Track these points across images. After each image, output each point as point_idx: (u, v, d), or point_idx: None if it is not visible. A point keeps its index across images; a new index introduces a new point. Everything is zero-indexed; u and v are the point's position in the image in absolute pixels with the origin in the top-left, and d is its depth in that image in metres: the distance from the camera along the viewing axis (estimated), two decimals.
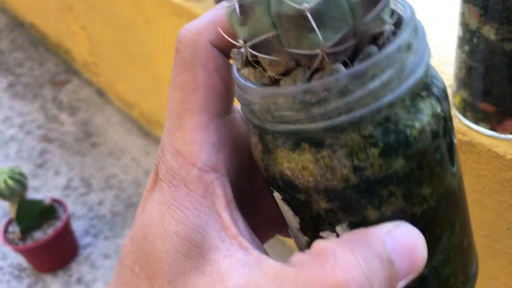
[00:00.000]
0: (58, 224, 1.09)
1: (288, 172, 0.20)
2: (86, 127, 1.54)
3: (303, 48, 0.18)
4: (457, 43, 0.44)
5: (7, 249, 1.18)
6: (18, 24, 2.10)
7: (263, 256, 0.21)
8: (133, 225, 0.23)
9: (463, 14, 0.42)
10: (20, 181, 1.00)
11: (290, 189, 0.21)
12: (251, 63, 0.20)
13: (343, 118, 0.18)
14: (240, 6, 0.18)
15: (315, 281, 0.19)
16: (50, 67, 1.83)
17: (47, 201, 1.08)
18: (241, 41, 0.19)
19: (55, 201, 1.12)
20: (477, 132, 0.46)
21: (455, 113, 0.48)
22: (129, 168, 1.37)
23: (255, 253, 0.21)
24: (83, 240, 1.20)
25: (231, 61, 0.23)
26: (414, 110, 0.19)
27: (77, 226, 1.22)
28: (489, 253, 0.52)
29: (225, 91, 0.23)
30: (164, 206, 0.22)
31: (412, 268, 0.20)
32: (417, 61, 0.19)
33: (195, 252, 0.21)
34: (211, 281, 0.20)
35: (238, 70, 0.21)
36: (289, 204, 0.22)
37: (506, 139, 0.45)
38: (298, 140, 0.19)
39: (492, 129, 0.45)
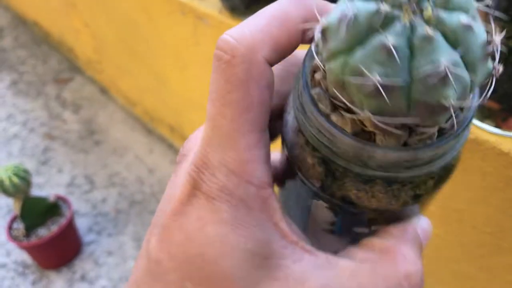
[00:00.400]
0: (62, 221, 1.09)
1: (353, 196, 0.23)
2: (89, 124, 1.54)
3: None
4: None
5: (12, 246, 1.19)
6: (21, 21, 2.10)
7: (330, 256, 0.23)
8: (165, 239, 0.23)
9: None
10: (24, 178, 1.00)
11: (346, 205, 0.24)
12: (335, 106, 0.22)
13: (422, 171, 0.22)
14: (383, 86, 0.18)
15: (391, 275, 0.22)
16: (54, 64, 1.83)
17: (51, 198, 1.08)
18: (367, 113, 0.19)
19: (59, 198, 1.13)
20: (482, 129, 0.46)
21: None
22: (133, 166, 1.38)
23: (321, 254, 0.23)
24: (86, 237, 1.20)
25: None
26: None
27: (81, 223, 1.23)
28: (494, 250, 0.52)
29: (270, 106, 0.24)
30: (225, 225, 0.22)
31: (426, 245, 0.25)
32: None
33: (265, 263, 0.22)
34: (289, 284, 0.22)
35: (328, 116, 0.22)
36: (333, 211, 0.25)
37: (511, 137, 0.45)
38: (376, 177, 0.22)
39: (497, 126, 0.45)
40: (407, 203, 0.23)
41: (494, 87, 0.43)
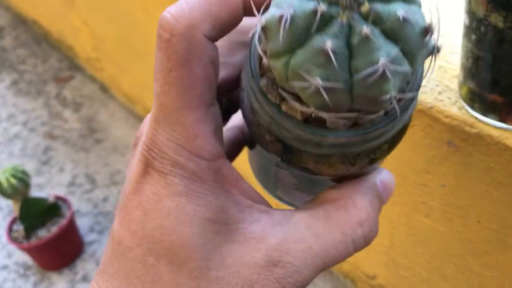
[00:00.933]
0: (62, 221, 1.08)
1: (312, 167, 0.24)
2: (90, 123, 1.53)
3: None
4: (463, 32, 0.43)
5: (12, 248, 1.18)
6: (21, 21, 2.09)
7: (286, 213, 0.24)
8: (124, 218, 0.24)
9: (469, 2, 0.41)
10: (22, 179, 0.99)
11: (306, 173, 0.25)
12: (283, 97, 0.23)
13: (374, 144, 0.24)
14: (324, 88, 0.19)
15: (344, 223, 0.24)
16: (54, 63, 1.82)
17: (50, 198, 1.07)
18: (312, 108, 0.21)
19: (59, 198, 1.12)
20: (486, 124, 0.45)
21: (462, 105, 0.46)
22: None
23: (277, 212, 0.24)
24: (88, 237, 1.19)
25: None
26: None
27: (82, 223, 1.22)
28: (499, 247, 0.51)
29: (216, 80, 0.24)
30: (180, 197, 0.23)
31: (389, 198, 0.26)
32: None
33: (223, 228, 0.23)
34: (249, 244, 0.23)
35: (278, 105, 0.23)
36: (296, 178, 0.28)
37: None
38: (330, 153, 0.24)
39: (501, 120, 0.44)
40: (364, 166, 0.25)
41: (497, 78, 0.42)
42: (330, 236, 0.24)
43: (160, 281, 0.23)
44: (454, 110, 0.46)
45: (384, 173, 0.27)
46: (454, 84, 0.48)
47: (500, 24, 0.39)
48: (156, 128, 0.23)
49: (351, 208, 0.24)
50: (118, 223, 0.25)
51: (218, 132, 0.24)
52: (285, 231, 0.23)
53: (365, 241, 0.25)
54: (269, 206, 0.25)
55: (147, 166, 0.24)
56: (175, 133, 0.23)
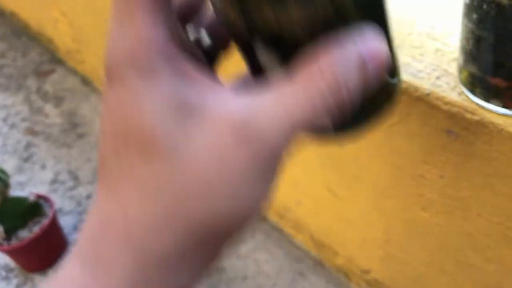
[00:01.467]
0: (45, 221, 1.05)
1: (274, 26, 0.24)
2: (72, 117, 1.50)
3: None
4: (463, 11, 0.40)
5: None
6: None
7: (254, 96, 0.23)
8: (100, 123, 0.25)
9: None
10: (1, 178, 0.96)
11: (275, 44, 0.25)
12: None
13: None
14: None
15: (310, 89, 0.23)
16: (34, 57, 1.78)
17: (31, 198, 1.03)
18: None
19: (40, 197, 1.08)
20: (488, 110, 0.42)
21: (462, 90, 0.43)
22: None
23: (243, 97, 0.23)
24: (72, 236, 1.16)
25: None
26: None
27: (66, 222, 1.18)
28: (502, 241, 0.50)
29: None
30: (140, 86, 0.23)
31: (379, 68, 0.23)
32: None
33: (186, 111, 0.23)
34: (216, 126, 0.22)
35: None
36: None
37: None
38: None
39: (504, 106, 0.41)
40: (328, 14, 0.23)
41: (500, 60, 0.38)
42: (298, 104, 0.23)
43: (133, 167, 0.23)
44: (453, 96, 0.44)
45: (368, 36, 0.24)
46: (453, 68, 0.45)
47: (505, 1, 0.36)
48: (110, 34, 0.24)
49: (317, 74, 0.23)
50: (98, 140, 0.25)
51: (168, 23, 0.24)
52: (251, 107, 0.23)
53: (338, 107, 0.23)
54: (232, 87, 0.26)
55: (109, 76, 0.24)
56: (125, 32, 0.23)
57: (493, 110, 0.41)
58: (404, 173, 0.54)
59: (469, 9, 0.39)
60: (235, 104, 0.23)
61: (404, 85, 0.46)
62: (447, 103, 0.44)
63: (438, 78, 0.45)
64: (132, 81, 0.23)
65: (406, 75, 0.46)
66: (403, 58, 0.47)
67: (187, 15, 0.28)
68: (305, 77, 0.23)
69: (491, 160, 0.44)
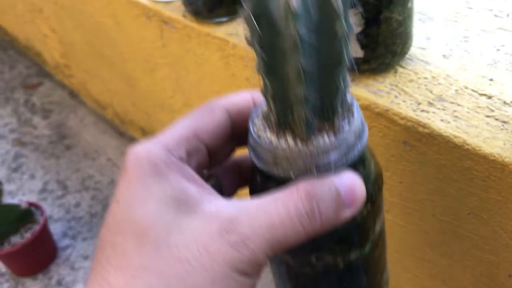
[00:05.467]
0: (36, 227, 1.09)
1: None
2: (59, 129, 1.54)
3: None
4: None
5: None
6: None
7: (241, 200, 0.27)
8: (106, 216, 0.28)
9: None
10: None
11: None
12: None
13: None
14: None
15: (286, 199, 0.26)
16: (21, 70, 1.81)
17: (23, 205, 1.07)
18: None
19: (32, 204, 1.12)
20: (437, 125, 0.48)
21: (417, 107, 0.50)
22: (105, 169, 1.38)
23: (232, 200, 0.28)
24: (61, 242, 1.20)
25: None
26: None
27: (55, 229, 1.23)
28: (452, 237, 0.55)
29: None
30: (148, 178, 0.27)
31: (354, 200, 0.28)
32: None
33: (184, 206, 0.26)
34: (205, 219, 0.26)
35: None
36: None
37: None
38: None
39: (449, 121, 0.47)
40: None
41: None
42: (276, 211, 0.26)
43: (125, 255, 0.25)
44: (408, 112, 0.50)
45: (346, 173, 0.28)
46: (409, 88, 0.52)
47: None
48: (140, 143, 0.29)
49: (294, 190, 0.27)
50: (103, 224, 0.28)
51: (193, 158, 0.30)
52: (237, 209, 0.26)
53: (310, 219, 0.26)
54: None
55: (123, 168, 0.28)
56: (162, 137, 0.29)
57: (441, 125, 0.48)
58: None
59: None
60: (225, 203, 0.27)
61: (366, 102, 0.52)
62: (403, 118, 0.50)
63: (396, 97, 0.52)
64: (147, 178, 0.27)
65: (369, 94, 0.53)
66: (366, 80, 0.54)
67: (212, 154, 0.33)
68: (285, 192, 0.27)
69: (440, 167, 0.50)
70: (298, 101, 0.28)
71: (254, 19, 0.25)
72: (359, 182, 0.28)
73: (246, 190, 0.39)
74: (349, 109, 0.31)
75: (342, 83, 0.28)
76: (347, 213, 0.28)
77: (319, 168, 0.28)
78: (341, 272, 0.34)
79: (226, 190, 0.36)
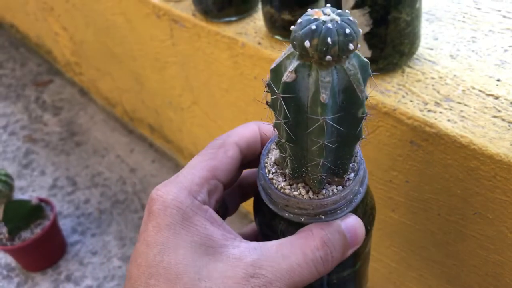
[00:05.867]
0: (46, 223, 1.10)
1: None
2: (70, 126, 1.55)
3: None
4: None
5: None
6: None
7: (261, 243, 0.31)
8: (133, 256, 0.30)
9: None
10: (6, 182, 1.00)
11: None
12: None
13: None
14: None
15: (303, 245, 0.30)
16: (32, 67, 1.83)
17: (34, 201, 1.09)
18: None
19: (42, 200, 1.14)
20: (442, 124, 0.49)
21: (424, 107, 0.50)
22: (114, 166, 1.39)
23: (252, 242, 0.31)
24: (70, 238, 1.21)
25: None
26: None
27: (64, 225, 1.24)
28: (457, 237, 0.55)
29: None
30: (176, 225, 0.30)
31: (356, 241, 0.33)
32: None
33: (210, 250, 0.29)
34: (230, 262, 0.29)
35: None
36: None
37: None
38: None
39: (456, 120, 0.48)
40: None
41: None
42: (294, 256, 0.30)
43: None
44: (415, 112, 0.50)
45: (351, 217, 0.33)
46: (417, 88, 0.52)
47: None
48: (174, 177, 0.33)
49: (310, 236, 0.31)
50: (129, 263, 0.30)
51: (212, 194, 0.33)
52: (259, 253, 0.29)
53: (324, 263, 0.31)
54: (246, 240, 0.32)
55: (150, 211, 0.31)
56: (184, 180, 0.32)
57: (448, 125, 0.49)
58: (375, 178, 0.61)
59: None
60: (247, 246, 0.30)
61: (374, 102, 0.53)
62: (410, 118, 0.51)
63: (403, 96, 0.52)
64: (176, 226, 0.30)
65: (376, 93, 0.53)
66: (377, 80, 0.55)
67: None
68: (301, 239, 0.31)
69: (447, 167, 0.51)
70: (315, 165, 0.31)
71: (283, 101, 0.28)
72: (360, 224, 0.33)
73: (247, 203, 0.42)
74: (355, 160, 0.34)
75: (355, 151, 0.32)
76: (350, 252, 0.33)
77: (327, 213, 0.33)
78: (334, 286, 0.38)
79: (230, 209, 0.40)
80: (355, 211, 0.34)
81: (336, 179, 0.33)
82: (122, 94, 1.38)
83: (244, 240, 0.31)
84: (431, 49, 0.57)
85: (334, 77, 0.27)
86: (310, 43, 0.26)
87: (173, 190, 0.31)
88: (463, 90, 0.51)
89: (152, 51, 1.00)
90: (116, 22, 1.08)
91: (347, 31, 0.26)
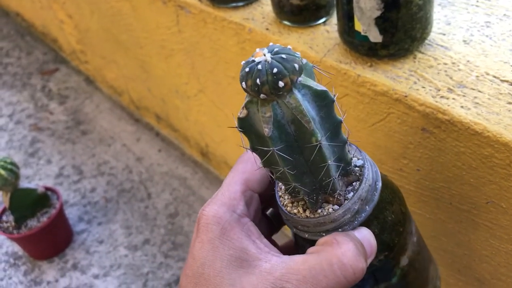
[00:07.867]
0: (52, 212, 1.10)
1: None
2: (76, 115, 1.55)
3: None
4: None
5: (2, 238, 1.20)
6: (3, 13, 2.09)
7: (290, 257, 0.33)
8: (184, 268, 0.34)
9: None
10: (12, 170, 1.00)
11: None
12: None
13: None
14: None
15: (331, 257, 0.32)
16: (38, 56, 1.82)
17: (40, 189, 1.09)
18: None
19: (48, 189, 1.14)
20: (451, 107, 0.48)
21: (436, 93, 0.49)
22: (120, 155, 1.39)
23: (284, 256, 0.33)
24: (77, 227, 1.21)
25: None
26: None
27: (71, 213, 1.24)
28: (470, 226, 0.54)
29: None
30: (214, 240, 0.33)
31: (371, 251, 0.34)
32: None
33: (244, 263, 0.32)
34: (261, 276, 0.31)
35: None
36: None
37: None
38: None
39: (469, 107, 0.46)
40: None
41: None
42: (320, 266, 0.31)
43: None
44: (427, 98, 0.49)
45: (362, 229, 0.35)
46: (429, 74, 0.51)
47: None
48: (215, 195, 0.36)
49: (335, 244, 0.32)
50: (181, 275, 0.34)
51: (250, 205, 0.37)
52: (287, 267, 0.32)
53: (353, 270, 0.32)
54: (279, 252, 0.34)
55: (197, 229, 0.34)
56: (223, 196, 0.36)
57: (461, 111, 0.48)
58: (386, 167, 0.60)
59: None
60: (276, 260, 0.32)
61: (385, 88, 0.52)
62: (422, 104, 0.50)
63: (415, 83, 0.51)
64: (215, 240, 0.33)
65: (387, 79, 0.52)
66: (384, 65, 0.53)
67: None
68: (327, 250, 0.32)
69: (459, 154, 0.50)
70: (293, 187, 0.34)
71: (242, 134, 0.31)
72: (371, 234, 0.35)
73: None
74: (358, 177, 0.35)
75: (333, 173, 0.33)
76: (369, 261, 0.34)
77: (328, 231, 0.35)
78: None
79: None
80: (368, 227, 0.35)
81: (330, 199, 0.35)
82: (128, 83, 1.37)
83: (277, 254, 0.33)
84: (444, 34, 0.55)
85: (277, 111, 0.29)
86: (246, 84, 0.29)
87: (214, 207, 0.35)
88: (477, 76, 0.50)
89: (158, 38, 0.99)
90: (121, 9, 1.07)
91: (275, 70, 0.28)
